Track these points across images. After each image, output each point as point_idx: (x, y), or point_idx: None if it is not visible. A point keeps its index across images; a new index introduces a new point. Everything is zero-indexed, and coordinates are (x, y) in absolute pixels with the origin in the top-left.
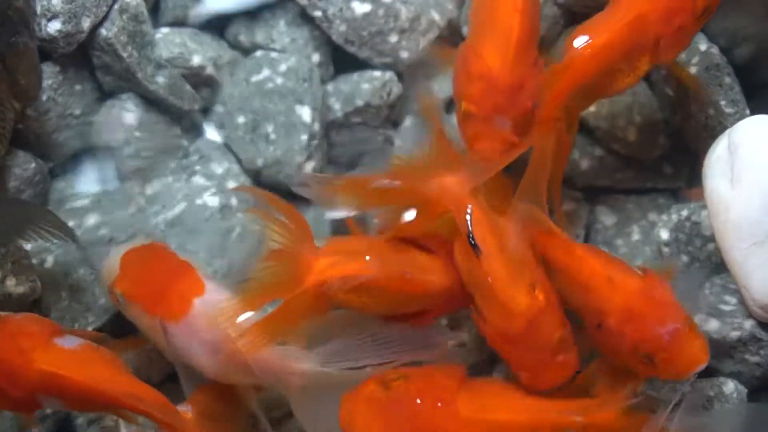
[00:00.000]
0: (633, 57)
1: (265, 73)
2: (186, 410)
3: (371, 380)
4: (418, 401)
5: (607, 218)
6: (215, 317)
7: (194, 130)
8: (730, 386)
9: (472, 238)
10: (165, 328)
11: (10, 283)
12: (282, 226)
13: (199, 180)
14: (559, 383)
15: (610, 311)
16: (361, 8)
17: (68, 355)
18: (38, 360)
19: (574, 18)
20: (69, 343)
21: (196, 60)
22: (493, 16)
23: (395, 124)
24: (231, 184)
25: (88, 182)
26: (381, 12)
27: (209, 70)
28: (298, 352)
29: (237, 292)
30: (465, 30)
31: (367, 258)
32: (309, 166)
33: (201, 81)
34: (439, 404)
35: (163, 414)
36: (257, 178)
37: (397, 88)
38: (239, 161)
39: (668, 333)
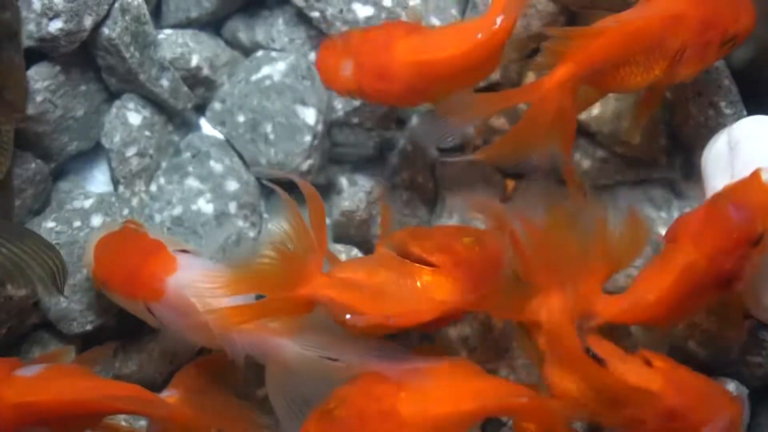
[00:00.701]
0: (655, 54)
1: (265, 71)
2: (171, 394)
3: (313, 416)
4: (361, 421)
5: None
6: (189, 293)
7: (185, 127)
8: (730, 386)
9: (594, 354)
10: (149, 309)
11: (11, 286)
12: (303, 232)
13: (192, 183)
14: None
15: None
16: (363, 11)
17: (33, 381)
18: (6, 396)
19: (573, 17)
20: (30, 371)
21: (194, 61)
22: None
23: (400, 122)
24: (232, 183)
25: (92, 183)
26: (383, 16)
27: (205, 71)
28: (282, 329)
29: (229, 272)
30: None
31: (361, 291)
32: (306, 165)
33: (198, 81)
34: (381, 415)
35: (143, 406)
36: (259, 174)
37: None
38: (241, 158)
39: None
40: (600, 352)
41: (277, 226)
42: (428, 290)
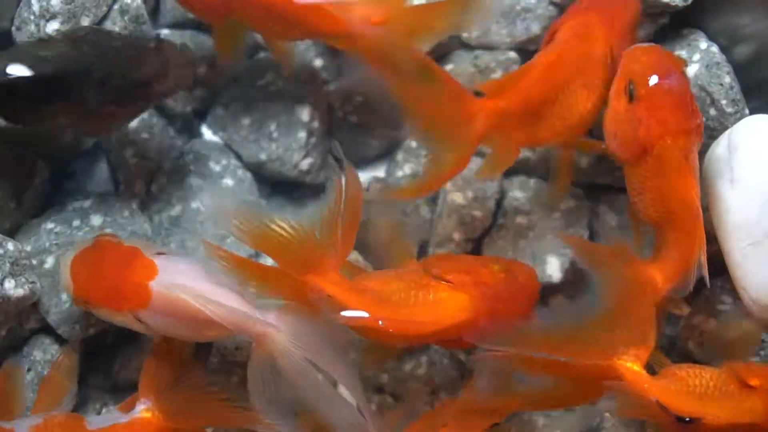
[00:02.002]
0: (590, 69)
1: (269, 77)
2: (146, 405)
3: None
4: None
5: (609, 218)
6: (174, 293)
7: (186, 131)
8: None
9: (687, 419)
10: (138, 319)
11: (9, 285)
12: (334, 229)
13: (193, 181)
14: None
15: None
16: None
17: None
18: None
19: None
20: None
21: None
22: None
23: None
24: (228, 181)
25: (92, 183)
26: None
27: (203, 69)
28: (275, 318)
29: (256, 221)
30: (464, 36)
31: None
32: (306, 164)
33: (196, 81)
34: None
35: None
36: (259, 171)
37: None
38: (239, 157)
39: None
40: (683, 408)
41: (315, 212)
42: (439, 304)
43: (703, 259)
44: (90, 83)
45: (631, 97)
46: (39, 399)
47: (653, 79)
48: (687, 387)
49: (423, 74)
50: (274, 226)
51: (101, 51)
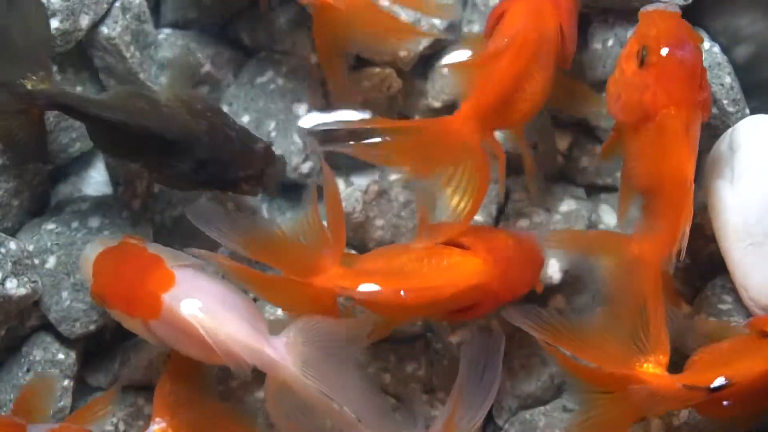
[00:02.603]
0: (543, 51)
1: (269, 75)
2: (160, 426)
3: None
4: None
5: (610, 218)
6: (186, 310)
7: None
8: None
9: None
10: (147, 327)
11: (11, 285)
12: (317, 227)
13: None
14: None
15: None
16: None
17: None
18: None
19: None
20: (39, 430)
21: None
22: None
23: (403, 117)
24: None
25: (90, 185)
26: None
27: (207, 67)
28: (284, 349)
29: (255, 234)
30: (465, 31)
31: (379, 277)
32: (307, 167)
33: (200, 79)
34: None
35: None
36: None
37: (396, 84)
38: None
39: None
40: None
41: (294, 219)
42: (454, 268)
43: (686, 231)
44: (191, 159)
45: (641, 62)
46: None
47: (666, 48)
48: (709, 361)
49: (395, 131)
50: (269, 235)
51: (215, 136)
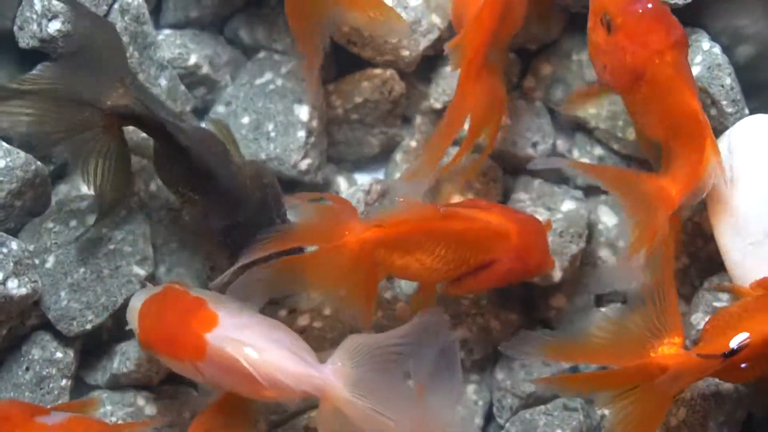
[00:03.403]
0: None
1: (268, 76)
2: None
3: None
4: None
5: (609, 219)
6: (230, 348)
7: None
8: (728, 386)
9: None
10: (197, 369)
11: (12, 285)
12: (324, 207)
13: None
14: None
15: None
16: None
17: (51, 431)
18: None
19: (573, 18)
20: (53, 419)
21: (192, 59)
22: None
23: (405, 119)
24: None
25: None
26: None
27: (205, 69)
28: (333, 374)
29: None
30: None
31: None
32: (305, 164)
33: (196, 80)
34: None
35: None
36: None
37: (398, 86)
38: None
39: None
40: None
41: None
42: (482, 216)
43: (718, 161)
44: (228, 218)
45: (608, 29)
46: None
47: (624, 6)
48: (722, 327)
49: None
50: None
51: (261, 210)
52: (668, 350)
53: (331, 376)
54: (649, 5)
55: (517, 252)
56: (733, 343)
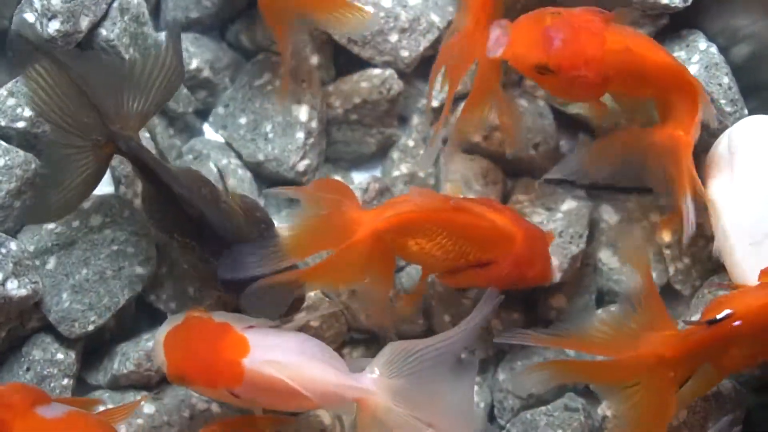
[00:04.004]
0: None
1: (266, 77)
2: None
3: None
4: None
5: (610, 217)
6: (269, 370)
7: (187, 131)
8: (727, 386)
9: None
10: (233, 393)
11: (11, 286)
12: (324, 199)
13: None
14: None
15: None
16: None
17: (49, 425)
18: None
19: None
20: (53, 411)
21: (194, 63)
22: None
23: (402, 119)
24: (230, 181)
25: None
26: (382, 15)
27: (206, 73)
28: (370, 382)
29: (286, 241)
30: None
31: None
32: (303, 165)
33: (197, 83)
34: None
35: None
36: (257, 170)
37: (397, 85)
38: (239, 156)
39: None
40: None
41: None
42: (489, 213)
43: (706, 99)
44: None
45: (549, 71)
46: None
47: (546, 50)
48: (715, 309)
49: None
50: (296, 233)
51: (262, 245)
52: (661, 339)
53: (371, 384)
54: (560, 35)
55: (517, 258)
56: (717, 316)
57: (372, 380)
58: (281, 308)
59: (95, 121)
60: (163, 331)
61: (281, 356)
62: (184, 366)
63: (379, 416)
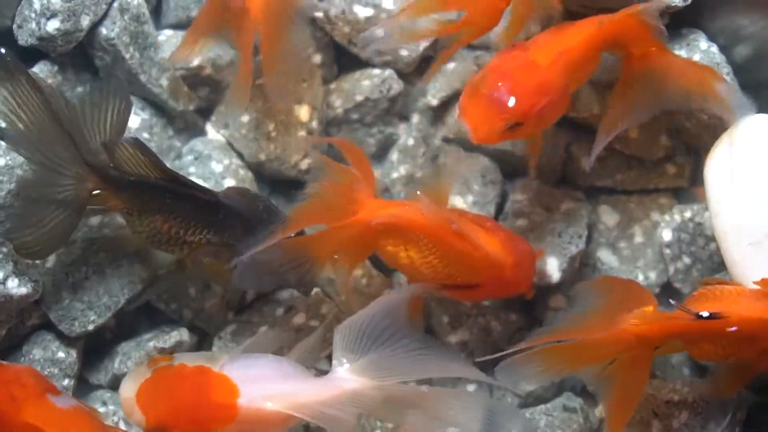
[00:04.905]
0: None
1: None
2: None
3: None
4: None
5: (609, 219)
6: (267, 405)
7: (187, 130)
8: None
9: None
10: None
11: (12, 284)
12: (345, 171)
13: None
14: None
15: None
16: (363, 12)
17: (58, 414)
18: (27, 412)
19: (573, 17)
20: (62, 402)
21: (195, 61)
22: None
23: (403, 117)
24: (230, 182)
25: None
26: (383, 16)
27: (208, 70)
28: (347, 372)
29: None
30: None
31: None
32: (305, 163)
33: (199, 81)
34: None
35: None
36: (259, 170)
37: (397, 85)
38: (241, 156)
39: None
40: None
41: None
42: (484, 236)
43: None
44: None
45: (519, 125)
46: None
47: (519, 106)
48: (707, 296)
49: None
50: (298, 205)
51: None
52: (639, 314)
53: (351, 376)
54: (502, 90)
55: (503, 282)
56: (705, 313)
57: (348, 371)
58: (274, 280)
59: (73, 154)
60: (129, 387)
61: (271, 387)
62: (168, 418)
63: (376, 398)
